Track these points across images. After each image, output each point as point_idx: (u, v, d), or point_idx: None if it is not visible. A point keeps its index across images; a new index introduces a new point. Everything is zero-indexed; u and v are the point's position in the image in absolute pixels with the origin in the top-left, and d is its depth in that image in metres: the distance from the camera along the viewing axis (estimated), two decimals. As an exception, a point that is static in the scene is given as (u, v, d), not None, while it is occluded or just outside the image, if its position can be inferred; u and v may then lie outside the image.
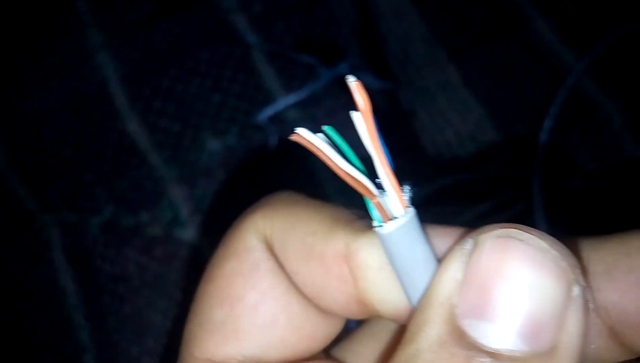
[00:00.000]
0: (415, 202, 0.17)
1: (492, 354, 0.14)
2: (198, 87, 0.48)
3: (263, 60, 0.49)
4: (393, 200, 0.17)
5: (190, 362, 0.20)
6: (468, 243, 0.16)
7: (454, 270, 0.16)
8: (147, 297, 0.44)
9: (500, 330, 0.15)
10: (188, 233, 0.45)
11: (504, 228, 0.15)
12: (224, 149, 0.47)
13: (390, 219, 0.17)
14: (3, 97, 0.49)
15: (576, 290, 0.15)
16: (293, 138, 0.16)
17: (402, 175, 0.17)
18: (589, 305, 0.16)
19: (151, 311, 0.43)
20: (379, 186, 0.17)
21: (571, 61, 0.50)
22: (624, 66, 0.50)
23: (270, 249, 0.20)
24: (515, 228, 0.15)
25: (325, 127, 0.16)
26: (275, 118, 0.48)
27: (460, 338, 0.15)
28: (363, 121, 0.16)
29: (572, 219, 0.47)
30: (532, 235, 0.15)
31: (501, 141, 0.49)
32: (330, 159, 0.16)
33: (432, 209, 0.45)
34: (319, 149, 0.16)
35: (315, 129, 0.50)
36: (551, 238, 0.15)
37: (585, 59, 0.49)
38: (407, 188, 0.17)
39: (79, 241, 0.45)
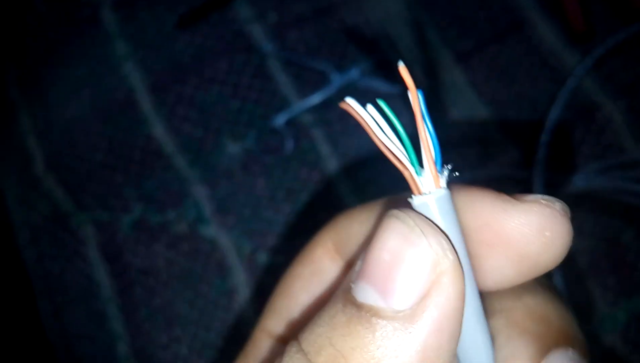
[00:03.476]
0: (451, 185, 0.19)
1: (358, 306, 0.18)
2: (218, 94, 0.54)
3: (278, 67, 0.55)
4: (427, 177, 0.18)
5: (257, 332, 0.27)
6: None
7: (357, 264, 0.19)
8: (174, 289, 0.49)
9: (367, 287, 0.18)
10: (211, 230, 0.51)
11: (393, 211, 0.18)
12: (243, 152, 0.53)
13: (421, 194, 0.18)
14: (39, 107, 0.55)
15: (443, 266, 0.17)
16: (342, 105, 0.18)
17: (450, 161, 0.19)
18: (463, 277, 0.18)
19: (179, 302, 0.49)
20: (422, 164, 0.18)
21: (573, 62, 0.54)
22: (624, 67, 0.54)
23: (337, 251, 0.25)
24: (397, 209, 0.18)
25: (379, 100, 0.18)
26: (291, 122, 0.53)
27: (346, 295, 0.18)
28: (411, 99, 0.18)
29: (573, 216, 0.52)
30: (405, 214, 0.18)
31: (505, 140, 0.53)
32: (369, 128, 0.18)
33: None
34: (362, 118, 0.18)
35: (329, 132, 0.56)
36: (422, 218, 0.18)
37: (586, 61, 0.54)
38: (446, 170, 0.19)
39: (111, 238, 0.51)
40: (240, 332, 0.48)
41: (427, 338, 0.17)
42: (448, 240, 0.18)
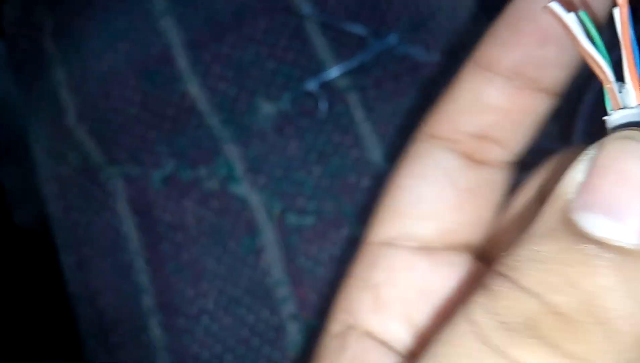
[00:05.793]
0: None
1: (599, 242, 0.16)
2: (254, 55, 0.55)
3: (316, 30, 0.56)
4: (630, 93, 0.18)
5: (364, 247, 0.27)
6: (591, 150, 0.17)
7: (575, 171, 0.17)
8: (203, 245, 0.51)
9: (604, 221, 0.16)
10: (241, 188, 0.52)
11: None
12: (276, 113, 0.54)
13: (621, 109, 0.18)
14: (74, 59, 0.57)
15: None
16: (545, 9, 0.18)
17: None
18: None
19: (206, 258, 0.50)
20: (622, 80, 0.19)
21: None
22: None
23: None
24: (623, 130, 0.17)
25: (580, 12, 0.18)
26: (326, 86, 0.54)
27: (570, 227, 0.17)
28: (618, 14, 0.18)
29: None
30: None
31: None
32: (574, 35, 0.18)
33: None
34: (567, 24, 0.18)
35: (364, 98, 0.57)
36: None
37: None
38: None
39: (141, 192, 0.52)
40: (267, 289, 0.49)
41: None
42: None
